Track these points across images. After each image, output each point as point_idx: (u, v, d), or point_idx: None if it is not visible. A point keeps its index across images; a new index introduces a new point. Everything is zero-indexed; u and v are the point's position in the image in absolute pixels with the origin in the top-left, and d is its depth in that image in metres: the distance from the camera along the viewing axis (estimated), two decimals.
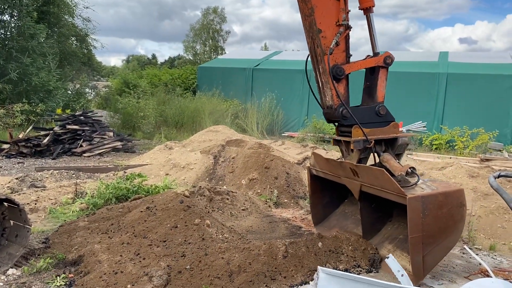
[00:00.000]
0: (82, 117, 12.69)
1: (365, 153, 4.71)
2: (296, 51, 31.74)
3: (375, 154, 4.73)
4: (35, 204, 6.35)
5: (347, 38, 4.67)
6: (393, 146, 4.80)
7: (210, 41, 49.01)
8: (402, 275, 3.16)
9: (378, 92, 4.80)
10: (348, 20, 4.61)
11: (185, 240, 4.42)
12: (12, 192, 6.88)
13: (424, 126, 17.26)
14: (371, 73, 4.90)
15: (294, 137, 18.57)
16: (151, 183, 7.15)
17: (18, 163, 10.17)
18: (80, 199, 6.44)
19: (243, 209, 6.52)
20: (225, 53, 45.10)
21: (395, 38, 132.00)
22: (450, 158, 13.46)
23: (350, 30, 4.65)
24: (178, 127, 18.10)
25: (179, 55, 64.10)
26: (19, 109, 13.26)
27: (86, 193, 6.68)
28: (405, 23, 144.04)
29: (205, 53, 49.51)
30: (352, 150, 4.69)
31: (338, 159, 5.27)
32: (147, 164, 9.58)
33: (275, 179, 7.83)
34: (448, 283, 4.33)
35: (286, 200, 7.42)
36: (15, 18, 16.83)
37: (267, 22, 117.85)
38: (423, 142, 17.15)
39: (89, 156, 11.59)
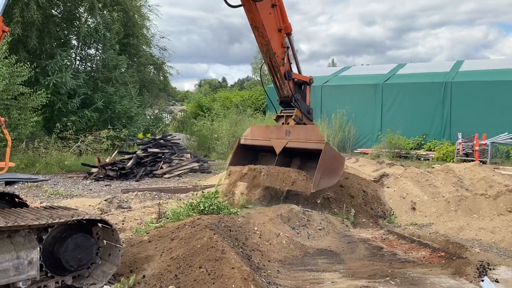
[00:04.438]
0: (162, 141, 13.41)
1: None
2: (366, 65, 31.04)
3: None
4: (123, 224, 6.74)
5: (288, 53, 7.36)
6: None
7: None
8: None
9: (307, 100, 7.85)
10: (287, 43, 7.39)
11: None
12: (101, 213, 7.39)
13: (511, 138, 16.00)
14: (300, 88, 7.75)
15: (367, 153, 18.08)
16: None
17: (106, 185, 10.92)
18: (164, 219, 6.75)
19: (319, 229, 6.44)
20: None
21: (473, 45, 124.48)
22: None
23: (289, 49, 7.39)
24: None
25: (248, 76, 65.56)
26: (105, 135, 14.30)
27: (169, 213, 6.97)
28: (483, 29, 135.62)
29: None
30: (288, 123, 7.53)
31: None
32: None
33: (351, 198, 7.67)
34: None
35: (364, 219, 7.23)
36: (100, 51, 18.34)
37: (334, 38, 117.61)
38: (510, 155, 15.91)
39: (169, 177, 12.16)
